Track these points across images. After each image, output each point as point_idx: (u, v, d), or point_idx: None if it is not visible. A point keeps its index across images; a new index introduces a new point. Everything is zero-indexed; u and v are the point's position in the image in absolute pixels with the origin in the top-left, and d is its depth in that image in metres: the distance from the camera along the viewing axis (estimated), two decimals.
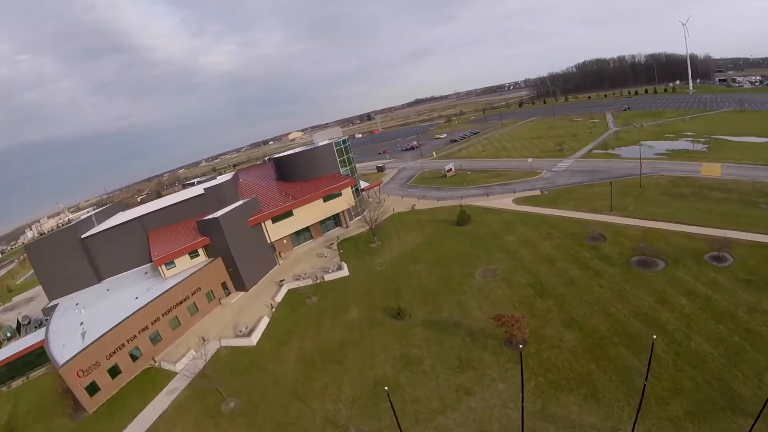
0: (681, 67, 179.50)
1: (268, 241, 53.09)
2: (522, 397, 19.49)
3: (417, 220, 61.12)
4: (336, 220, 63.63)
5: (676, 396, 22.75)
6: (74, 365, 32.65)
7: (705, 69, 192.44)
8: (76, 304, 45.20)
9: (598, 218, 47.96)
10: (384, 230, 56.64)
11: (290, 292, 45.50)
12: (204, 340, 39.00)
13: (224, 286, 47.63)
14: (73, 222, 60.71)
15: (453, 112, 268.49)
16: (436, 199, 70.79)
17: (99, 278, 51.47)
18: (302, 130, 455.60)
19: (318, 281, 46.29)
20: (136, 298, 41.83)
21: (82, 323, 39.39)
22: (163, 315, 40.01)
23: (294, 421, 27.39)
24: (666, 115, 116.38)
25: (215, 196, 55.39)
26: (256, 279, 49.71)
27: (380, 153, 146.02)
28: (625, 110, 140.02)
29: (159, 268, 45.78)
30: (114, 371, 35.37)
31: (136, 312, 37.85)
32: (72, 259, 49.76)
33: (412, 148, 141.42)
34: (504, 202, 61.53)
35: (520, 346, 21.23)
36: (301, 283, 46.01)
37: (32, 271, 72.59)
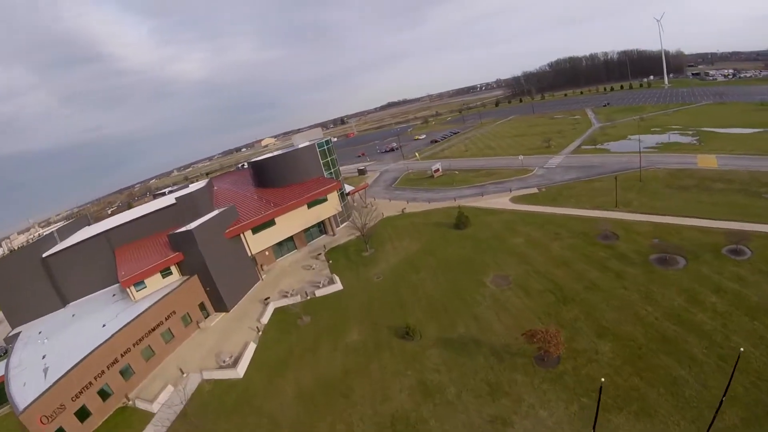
0: (653, 63, 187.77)
1: (249, 254, 48.97)
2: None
3: (410, 224, 58.57)
4: (321, 227, 60.08)
5: (727, 403, 20.99)
6: (36, 410, 28.14)
7: (677, 64, 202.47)
8: (39, 333, 40.38)
9: (604, 215, 47.00)
10: (376, 237, 53.63)
11: (278, 311, 41.55)
12: (183, 373, 34.56)
13: (202, 307, 43.28)
14: (35, 239, 54.51)
15: (428, 114, 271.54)
16: (427, 200, 68.75)
17: (64, 302, 46.23)
18: (275, 136, 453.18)
19: (308, 297, 42.62)
20: (104, 325, 37.05)
21: (44, 357, 34.67)
22: (134, 345, 35.54)
23: None
24: (647, 109, 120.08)
25: (188, 206, 50.86)
26: (237, 297, 45.54)
27: (359, 156, 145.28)
28: (604, 106, 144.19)
29: (127, 290, 41.00)
30: (82, 414, 30.84)
31: (103, 344, 33.32)
32: (33, 281, 44.43)
33: (392, 149, 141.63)
34: (501, 201, 60.07)
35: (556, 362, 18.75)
36: (289, 301, 42.19)
37: None
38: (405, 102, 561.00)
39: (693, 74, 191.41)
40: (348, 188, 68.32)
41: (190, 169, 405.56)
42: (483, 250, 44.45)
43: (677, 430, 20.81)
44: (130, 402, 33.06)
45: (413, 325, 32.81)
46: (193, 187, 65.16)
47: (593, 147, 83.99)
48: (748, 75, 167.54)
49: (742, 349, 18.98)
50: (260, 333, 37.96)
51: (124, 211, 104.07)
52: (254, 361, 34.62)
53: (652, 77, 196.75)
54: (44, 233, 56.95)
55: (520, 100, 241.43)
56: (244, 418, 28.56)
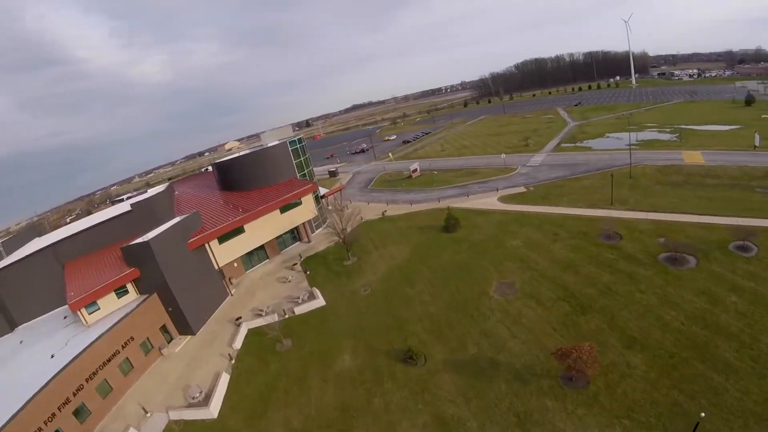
0: (618, 64, 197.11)
1: (216, 267, 43.85)
2: None
3: (394, 228, 55.45)
4: (295, 233, 55.61)
5: None
6: None
7: (642, 65, 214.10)
8: None
9: (601, 213, 46.15)
10: (357, 243, 49.88)
11: (252, 333, 36.80)
12: (146, 412, 29.28)
13: (164, 330, 37.97)
14: None
15: (395, 115, 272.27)
16: (409, 202, 66.11)
17: (12, 325, 39.78)
18: (239, 140, 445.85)
19: (286, 316, 38.23)
20: (52, 356, 31.16)
21: None
22: (87, 380, 30.03)
23: None
24: (620, 108, 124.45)
25: (145, 214, 45.16)
26: (204, 317, 40.39)
27: (327, 158, 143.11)
28: (576, 105, 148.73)
29: (78, 313, 35.15)
30: None
31: (50, 381, 27.72)
32: None
33: (363, 150, 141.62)
34: (489, 201, 58.35)
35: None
36: (264, 321, 37.49)
37: None
38: (370, 104, 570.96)
39: (659, 74, 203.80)
40: (322, 190, 64.24)
41: (152, 174, 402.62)
42: (480, 255, 41.98)
43: None
44: None
45: (415, 347, 29.26)
46: (152, 191, 58.85)
47: (574, 145, 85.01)
48: (712, 74, 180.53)
49: None
50: (233, 361, 33.14)
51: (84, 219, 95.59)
52: (229, 397, 29.70)
53: (618, 77, 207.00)
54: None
55: (489, 101, 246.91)
56: None
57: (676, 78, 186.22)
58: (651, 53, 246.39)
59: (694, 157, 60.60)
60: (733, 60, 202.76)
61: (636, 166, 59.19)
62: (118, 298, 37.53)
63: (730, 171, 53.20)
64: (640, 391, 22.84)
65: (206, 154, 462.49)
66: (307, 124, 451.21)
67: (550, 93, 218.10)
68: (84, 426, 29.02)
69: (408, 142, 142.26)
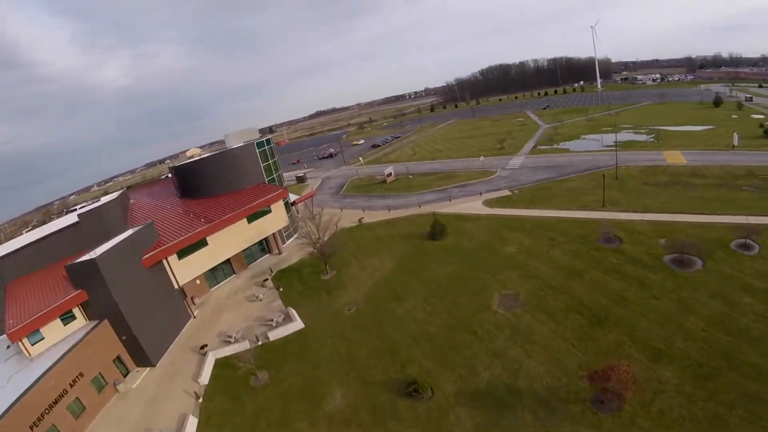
0: (582, 69, 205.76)
1: (176, 286, 38.70)
2: None
3: (374, 236, 52.16)
4: (264, 245, 50.99)
5: None
6: None
7: (605, 70, 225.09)
8: None
9: (595, 216, 45.23)
10: (335, 254, 45.85)
11: (221, 364, 32.01)
12: None
13: (119, 361, 32.66)
14: None
15: (359, 121, 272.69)
16: (386, 208, 63.14)
17: None
18: (201, 147, 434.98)
19: (259, 343, 33.75)
20: None
21: None
22: (32, 428, 24.79)
23: None
24: (590, 111, 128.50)
25: (94, 226, 39.71)
26: (164, 346, 35.20)
27: (294, 163, 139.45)
28: (545, 108, 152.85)
29: (19, 343, 29.41)
30: None
31: None
32: None
33: (331, 155, 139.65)
34: (473, 206, 56.43)
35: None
36: (234, 348, 32.89)
37: None
38: (334, 110, 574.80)
39: (622, 79, 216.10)
40: (292, 197, 60.03)
41: (111, 183, 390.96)
42: (474, 265, 39.44)
43: None
44: None
45: (419, 377, 25.70)
46: (104, 199, 52.51)
47: (551, 147, 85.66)
48: (675, 78, 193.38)
49: None
50: (201, 400, 28.34)
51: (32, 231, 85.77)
52: None
53: (582, 82, 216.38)
54: None
55: (456, 106, 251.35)
56: None
57: (640, 82, 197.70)
58: (612, 59, 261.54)
59: (675, 158, 61.75)
60: (693, 65, 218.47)
61: (620, 167, 59.46)
62: (64, 325, 32.15)
63: (714, 170, 54.30)
64: (677, 407, 21.05)
65: (167, 161, 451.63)
66: (271, 130, 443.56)
67: (516, 97, 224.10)
68: None
69: (377, 146, 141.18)
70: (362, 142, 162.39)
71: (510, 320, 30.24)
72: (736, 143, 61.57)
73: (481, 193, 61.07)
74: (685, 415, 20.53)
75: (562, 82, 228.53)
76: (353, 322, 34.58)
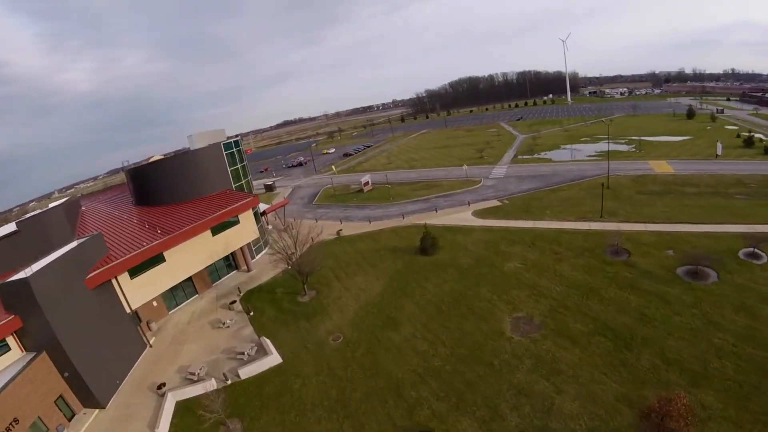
0: (550, 83, 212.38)
1: (128, 310, 32.85)
2: None
3: (355, 251, 47.98)
4: (231, 260, 45.61)
5: None
6: None
7: (573, 84, 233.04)
8: None
9: (596, 227, 43.50)
10: (313, 272, 41.16)
11: (182, 408, 26.52)
12: None
13: (62, 402, 26.68)
14: None
15: (328, 131, 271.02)
16: (366, 219, 59.26)
17: None
18: (165, 154, 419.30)
19: (229, 382, 28.66)
20: None
21: None
22: None
23: None
24: (565, 122, 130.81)
25: (35, 237, 33.02)
26: (114, 383, 29.23)
27: (262, 171, 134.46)
28: (518, 120, 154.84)
29: None
30: None
31: None
32: None
33: (300, 164, 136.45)
34: (463, 217, 53.59)
35: None
36: (197, 389, 27.54)
37: None
38: (301, 120, 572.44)
39: (590, 92, 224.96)
40: (262, 206, 55.01)
41: (73, 189, 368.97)
42: (476, 283, 36.02)
43: None
44: None
45: (434, 425, 21.62)
46: (52, 206, 45.56)
47: (533, 156, 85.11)
48: (642, 92, 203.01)
49: None
50: None
51: None
52: None
53: (551, 95, 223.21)
54: None
55: (427, 116, 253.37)
56: None
57: (608, 96, 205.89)
58: (581, 74, 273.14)
59: (662, 167, 61.89)
60: (657, 80, 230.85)
61: (609, 176, 58.69)
62: None
63: (705, 179, 54.36)
64: None
65: (124, 164, 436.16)
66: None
67: (487, 109, 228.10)
68: None
69: (349, 155, 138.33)
70: (333, 150, 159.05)
71: (529, 348, 26.79)
72: (719, 153, 62.49)
73: (468, 203, 58.46)
74: None
75: (531, 95, 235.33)
76: (342, 355, 29.86)
